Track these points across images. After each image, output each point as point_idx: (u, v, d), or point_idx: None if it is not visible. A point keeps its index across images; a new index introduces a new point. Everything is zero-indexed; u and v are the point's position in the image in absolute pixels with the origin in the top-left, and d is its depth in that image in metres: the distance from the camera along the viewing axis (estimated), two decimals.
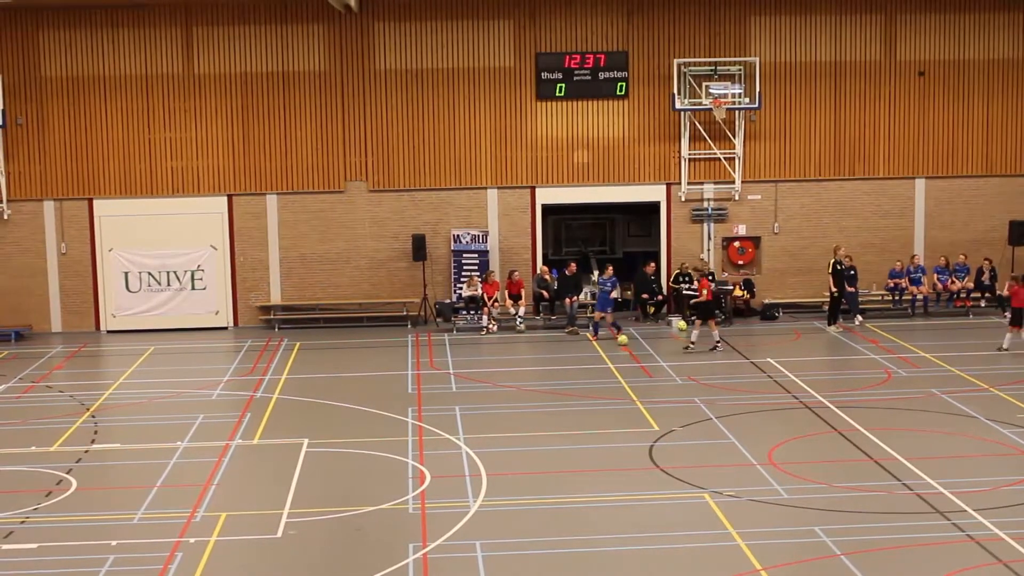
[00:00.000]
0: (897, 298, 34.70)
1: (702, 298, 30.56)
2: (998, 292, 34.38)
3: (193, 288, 34.97)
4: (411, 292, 34.94)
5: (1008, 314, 33.60)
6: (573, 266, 33.77)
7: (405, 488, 20.03)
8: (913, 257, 34.75)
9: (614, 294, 32.19)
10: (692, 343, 30.17)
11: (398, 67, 34.41)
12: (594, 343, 31.25)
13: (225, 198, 34.74)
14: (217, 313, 35.13)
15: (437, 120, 34.61)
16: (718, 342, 30.28)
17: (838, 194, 35.44)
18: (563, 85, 34.48)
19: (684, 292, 33.70)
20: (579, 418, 24.40)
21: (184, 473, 21.14)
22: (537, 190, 34.94)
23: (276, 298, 35.15)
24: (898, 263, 34.64)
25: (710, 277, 32.65)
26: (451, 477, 20.58)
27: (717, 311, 31.82)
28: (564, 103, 34.67)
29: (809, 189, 35.38)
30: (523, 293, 33.86)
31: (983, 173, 35.70)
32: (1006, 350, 29.55)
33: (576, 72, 34.46)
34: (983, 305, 34.66)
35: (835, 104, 35.19)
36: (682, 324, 32.85)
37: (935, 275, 34.77)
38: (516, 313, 33.48)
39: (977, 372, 27.50)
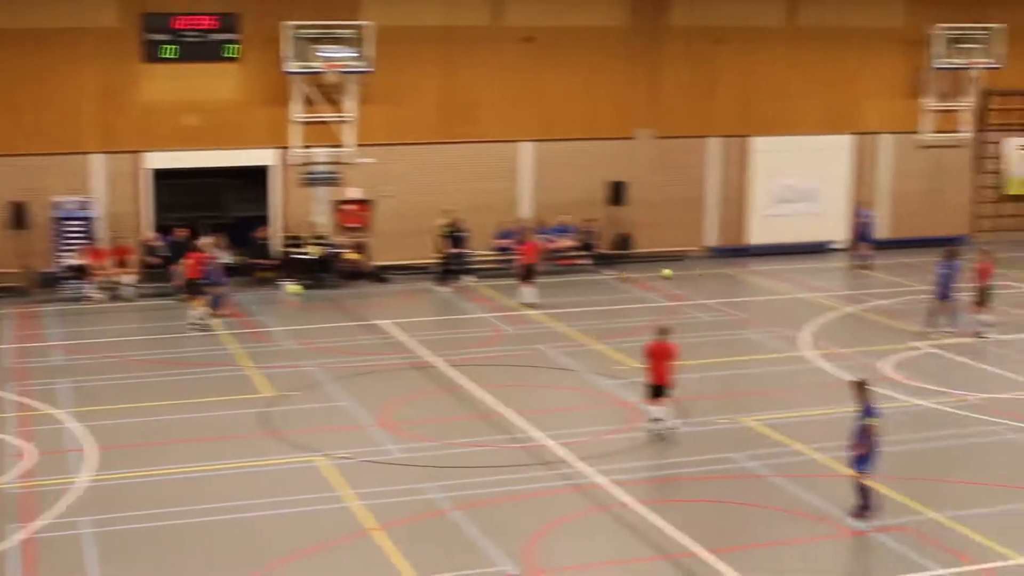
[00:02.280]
0: (506, 258, 35.55)
1: (190, 274, 28.96)
2: (599, 250, 35.90)
3: None
4: (10, 262, 33.25)
5: (609, 272, 35.23)
6: (182, 232, 33.02)
7: (2, 466, 19.19)
8: (522, 221, 35.65)
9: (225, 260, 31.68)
10: (199, 323, 28.78)
11: None
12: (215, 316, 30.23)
13: None
14: None
15: (35, 83, 32.90)
16: (199, 321, 28.74)
17: (448, 157, 36.00)
18: (171, 47, 33.49)
19: (296, 256, 33.59)
20: (191, 386, 24.02)
21: None
22: (146, 155, 33.86)
23: None
24: (506, 223, 35.51)
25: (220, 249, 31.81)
26: (57, 453, 19.89)
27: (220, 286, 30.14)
28: (172, 65, 33.64)
29: (420, 152, 35.76)
30: (131, 260, 32.88)
31: (585, 136, 37.07)
32: (527, 303, 30.98)
33: (185, 33, 33.54)
34: (586, 264, 35.99)
35: (445, 68, 35.69)
36: (295, 287, 32.77)
37: (543, 236, 35.82)
38: (124, 281, 32.49)
39: (582, 327, 28.64)
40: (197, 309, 28.83)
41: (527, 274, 31.46)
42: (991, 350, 26.76)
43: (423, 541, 16.65)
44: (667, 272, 34.84)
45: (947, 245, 29.34)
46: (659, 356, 20.93)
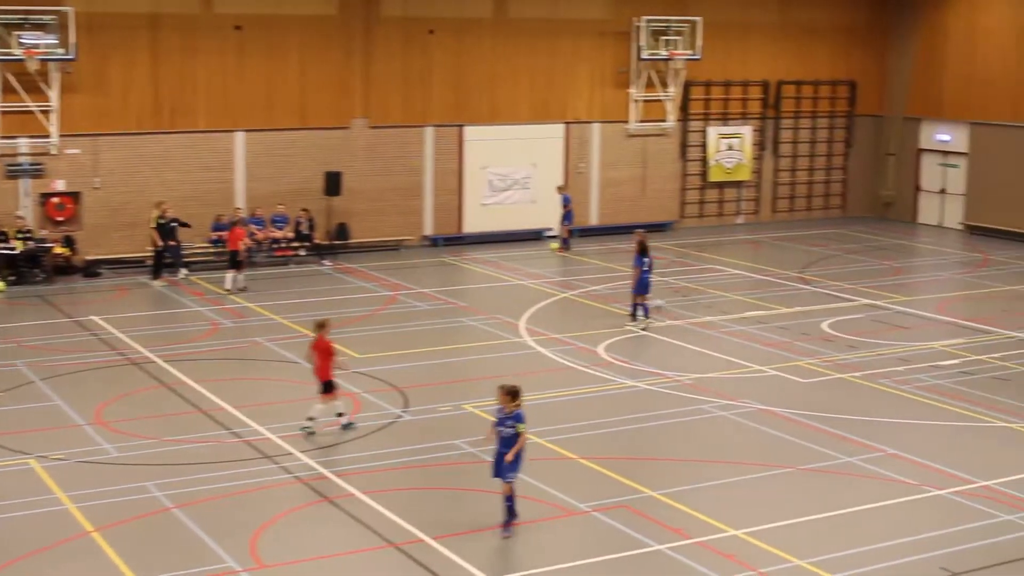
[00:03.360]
0: (220, 250, 35.01)
1: None
2: (316, 241, 35.75)
3: None
4: None
5: (326, 262, 35.17)
6: None
7: None
8: (237, 210, 35.15)
9: None
10: None
11: None
12: None
13: None
14: None
15: None
16: None
17: (159, 147, 35.17)
18: None
19: (0, 251, 32.29)
20: None
21: None
22: None
23: None
24: (222, 216, 34.95)
25: None
26: None
27: None
28: None
29: (130, 142, 34.83)
30: None
31: (299, 126, 36.80)
32: (228, 289, 31.24)
33: None
34: (303, 254, 35.81)
35: (154, 57, 34.81)
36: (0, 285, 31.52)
37: (251, 226, 35.27)
38: None
39: (300, 318, 28.45)
40: None
41: (232, 261, 31.46)
42: (700, 332, 27.81)
43: (145, 541, 16.27)
44: (554, 246, 37.73)
45: (639, 238, 29.69)
46: (319, 352, 20.67)
